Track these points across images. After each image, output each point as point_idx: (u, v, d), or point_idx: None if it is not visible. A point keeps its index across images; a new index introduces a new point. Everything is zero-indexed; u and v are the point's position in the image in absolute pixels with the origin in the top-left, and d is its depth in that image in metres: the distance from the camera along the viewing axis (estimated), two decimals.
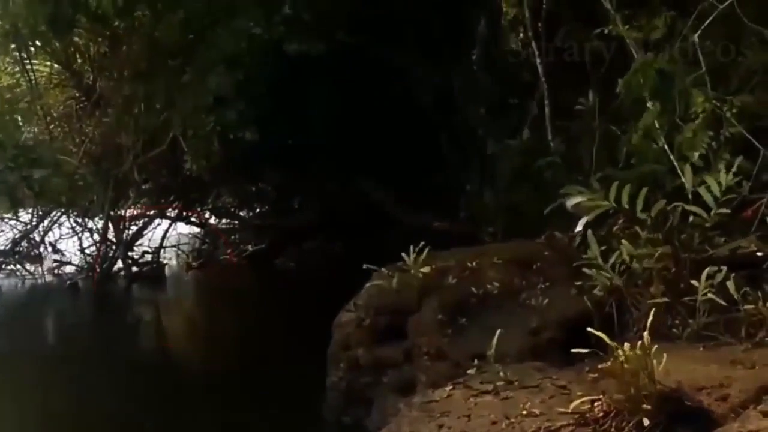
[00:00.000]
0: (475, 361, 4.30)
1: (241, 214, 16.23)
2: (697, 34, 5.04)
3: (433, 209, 10.44)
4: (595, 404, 3.26)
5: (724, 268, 4.02)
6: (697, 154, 4.77)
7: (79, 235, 14.05)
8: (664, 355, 3.20)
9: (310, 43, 9.10)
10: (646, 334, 3.23)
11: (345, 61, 10.10)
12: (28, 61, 11.56)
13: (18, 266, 13.91)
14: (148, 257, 13.99)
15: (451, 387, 4.02)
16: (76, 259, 13.98)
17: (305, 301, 9.78)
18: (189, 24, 10.39)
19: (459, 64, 9.46)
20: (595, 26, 6.00)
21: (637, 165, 5.23)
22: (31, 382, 7.48)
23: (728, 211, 4.34)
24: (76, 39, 11.55)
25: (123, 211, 12.94)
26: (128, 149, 11.47)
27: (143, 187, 12.82)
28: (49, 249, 14.16)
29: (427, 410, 3.79)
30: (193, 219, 15.15)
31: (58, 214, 13.90)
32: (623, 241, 4.39)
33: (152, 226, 14.48)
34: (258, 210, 16.40)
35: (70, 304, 12.22)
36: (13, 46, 11.31)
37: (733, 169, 4.40)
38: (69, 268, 13.77)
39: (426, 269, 5.24)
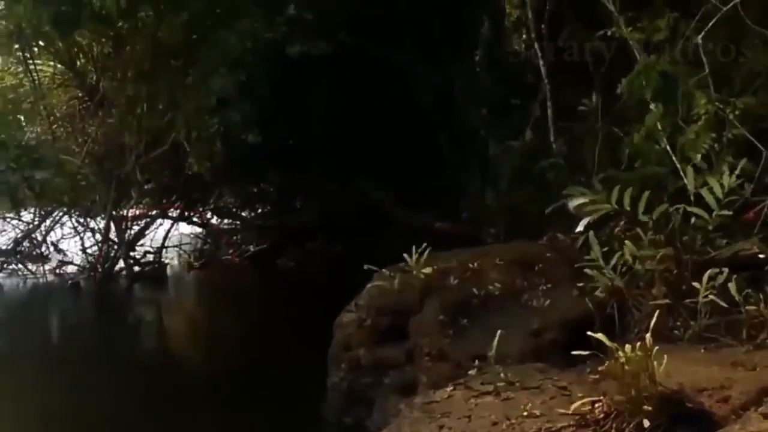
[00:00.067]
0: (476, 362, 4.30)
1: (242, 214, 16.27)
2: (700, 36, 5.04)
3: (433, 210, 10.44)
4: (596, 405, 3.26)
5: (726, 270, 4.02)
6: (699, 156, 4.77)
7: (81, 234, 14.10)
8: (665, 356, 3.20)
9: (312, 44, 9.11)
10: (648, 335, 3.22)
11: (346, 62, 10.11)
12: (31, 61, 11.57)
13: (20, 266, 13.93)
14: (150, 257, 14.03)
15: (452, 388, 4.02)
16: (78, 259, 14.00)
17: (306, 301, 9.78)
18: (192, 25, 10.42)
19: (460, 64, 9.47)
20: (598, 27, 6.00)
21: (640, 166, 5.22)
22: (32, 382, 7.46)
23: (730, 213, 4.34)
24: (79, 39, 11.57)
25: (125, 211, 12.97)
26: (131, 149, 11.47)
27: (145, 187, 12.80)
28: (51, 249, 14.19)
29: (428, 411, 3.79)
30: (195, 219, 15.17)
31: (61, 213, 13.94)
32: (626, 242, 4.38)
33: (154, 226, 14.51)
34: (259, 210, 16.44)
35: (71, 303, 12.21)
36: (16, 46, 11.33)
37: (736, 171, 4.40)
38: (71, 268, 13.77)
39: (427, 270, 5.24)
